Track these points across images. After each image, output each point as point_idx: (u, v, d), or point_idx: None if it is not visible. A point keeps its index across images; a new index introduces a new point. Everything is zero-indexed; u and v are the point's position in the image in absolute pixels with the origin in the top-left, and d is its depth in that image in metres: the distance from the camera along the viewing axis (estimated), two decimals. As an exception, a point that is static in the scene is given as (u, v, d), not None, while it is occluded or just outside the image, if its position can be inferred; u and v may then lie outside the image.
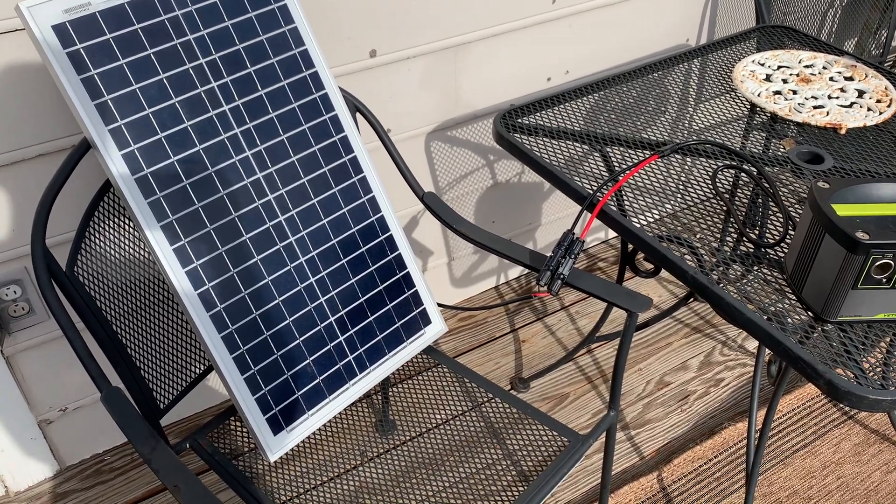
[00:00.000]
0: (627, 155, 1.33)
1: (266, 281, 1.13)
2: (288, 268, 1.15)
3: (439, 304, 1.32)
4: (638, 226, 1.18)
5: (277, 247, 1.14)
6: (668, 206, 1.24)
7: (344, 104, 1.21)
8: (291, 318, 1.15)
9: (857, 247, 0.91)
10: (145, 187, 1.03)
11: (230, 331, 1.09)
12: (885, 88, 1.43)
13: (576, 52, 1.81)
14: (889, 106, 1.39)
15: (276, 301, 1.14)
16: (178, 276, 1.05)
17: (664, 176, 1.28)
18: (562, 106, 1.47)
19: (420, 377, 1.39)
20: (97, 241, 1.10)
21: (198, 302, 1.07)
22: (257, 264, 1.12)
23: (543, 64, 1.78)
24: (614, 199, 1.24)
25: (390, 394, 1.62)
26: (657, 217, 1.23)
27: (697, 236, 1.17)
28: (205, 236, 1.07)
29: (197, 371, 1.25)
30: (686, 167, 1.31)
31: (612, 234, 2.31)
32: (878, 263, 0.92)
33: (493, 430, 1.52)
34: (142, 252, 1.16)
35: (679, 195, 1.25)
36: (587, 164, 1.32)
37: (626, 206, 1.23)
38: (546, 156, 1.33)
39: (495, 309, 2.06)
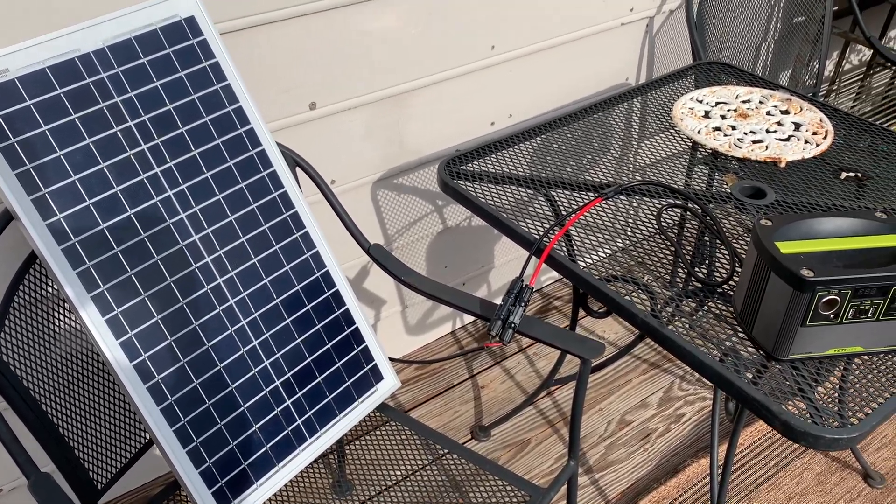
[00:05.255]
0: (574, 197, 1.33)
1: (206, 347, 1.08)
2: (229, 332, 1.11)
3: (391, 359, 1.28)
4: (585, 269, 1.16)
5: (217, 310, 1.10)
6: (618, 243, 1.24)
7: (282, 159, 1.19)
8: (235, 385, 1.10)
9: (804, 284, 0.91)
10: (73, 257, 0.98)
11: (169, 402, 1.04)
12: (820, 120, 1.46)
13: (518, 96, 1.82)
14: (825, 138, 1.41)
15: (218, 367, 1.09)
16: (111, 348, 1.00)
17: (612, 215, 1.28)
18: (506, 150, 1.47)
19: (377, 432, 1.35)
20: (24, 314, 1.04)
21: (133, 374, 1.01)
22: (196, 330, 1.07)
23: (486, 109, 1.78)
24: (562, 241, 1.22)
25: (346, 451, 1.57)
26: (608, 254, 1.22)
27: (646, 278, 1.16)
28: (139, 305, 1.03)
29: (138, 445, 1.19)
30: (633, 206, 1.30)
31: (565, 272, 2.31)
32: (824, 300, 0.92)
33: (455, 484, 1.48)
34: (72, 324, 1.10)
35: (628, 233, 1.24)
36: (534, 206, 1.31)
37: (577, 244, 1.22)
38: (492, 201, 1.32)
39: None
